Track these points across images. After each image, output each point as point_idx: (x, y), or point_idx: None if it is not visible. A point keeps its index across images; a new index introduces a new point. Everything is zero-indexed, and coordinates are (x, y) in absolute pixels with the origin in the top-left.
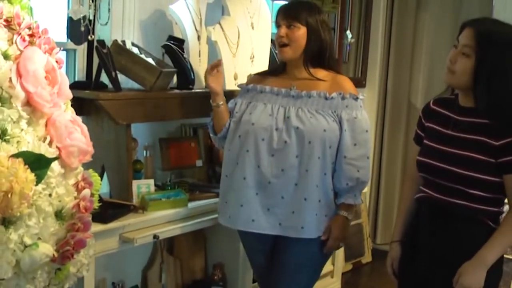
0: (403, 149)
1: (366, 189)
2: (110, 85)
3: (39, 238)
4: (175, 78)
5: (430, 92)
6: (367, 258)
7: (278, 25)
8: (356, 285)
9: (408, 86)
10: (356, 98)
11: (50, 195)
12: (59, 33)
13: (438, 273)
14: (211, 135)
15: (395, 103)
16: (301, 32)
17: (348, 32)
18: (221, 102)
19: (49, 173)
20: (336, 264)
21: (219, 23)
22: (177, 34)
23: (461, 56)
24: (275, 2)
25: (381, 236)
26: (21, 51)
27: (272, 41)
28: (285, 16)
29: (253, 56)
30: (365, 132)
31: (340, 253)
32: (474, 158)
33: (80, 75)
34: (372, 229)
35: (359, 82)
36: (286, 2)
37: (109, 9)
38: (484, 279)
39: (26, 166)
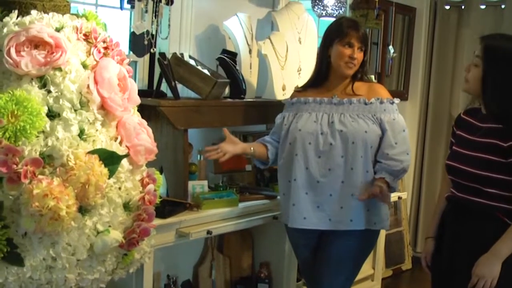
0: (443, 160)
1: (407, 198)
2: (169, 94)
3: (110, 226)
4: (228, 88)
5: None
6: (407, 265)
7: (349, 44)
8: None
9: (449, 100)
10: (392, 102)
11: (119, 188)
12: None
13: (458, 265)
14: (261, 167)
15: (436, 116)
16: (362, 53)
17: (390, 47)
18: (252, 150)
19: (119, 168)
20: (377, 268)
21: (269, 38)
22: (230, 47)
23: (473, 67)
24: (321, 18)
25: (421, 244)
26: (97, 62)
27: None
28: (361, 40)
29: (300, 69)
30: (402, 131)
31: (380, 258)
32: (488, 159)
33: (140, 85)
34: (413, 237)
35: (401, 95)
36: (343, 20)
37: (169, 25)
38: (498, 270)
39: (101, 162)
